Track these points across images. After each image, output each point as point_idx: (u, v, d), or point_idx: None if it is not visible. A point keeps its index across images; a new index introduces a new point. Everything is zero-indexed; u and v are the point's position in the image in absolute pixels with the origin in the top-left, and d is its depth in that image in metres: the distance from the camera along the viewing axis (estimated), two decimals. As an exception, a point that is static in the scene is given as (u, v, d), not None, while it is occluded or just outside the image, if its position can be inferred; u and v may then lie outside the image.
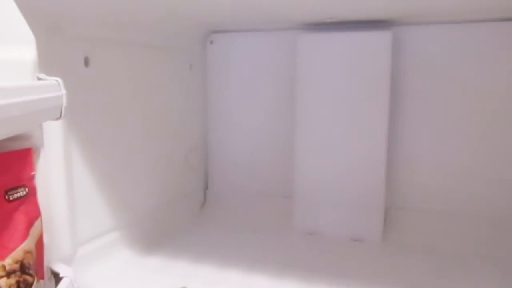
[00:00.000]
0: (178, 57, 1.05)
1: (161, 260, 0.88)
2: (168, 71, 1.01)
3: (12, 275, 0.45)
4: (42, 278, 0.51)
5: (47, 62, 0.59)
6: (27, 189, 0.49)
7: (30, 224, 0.49)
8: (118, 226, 0.88)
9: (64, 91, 0.48)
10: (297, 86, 1.01)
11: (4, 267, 0.45)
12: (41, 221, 0.51)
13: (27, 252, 0.47)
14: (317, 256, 0.92)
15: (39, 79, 0.47)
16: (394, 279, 0.81)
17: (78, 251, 0.77)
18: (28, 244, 0.48)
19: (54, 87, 0.46)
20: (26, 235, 0.48)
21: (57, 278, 0.53)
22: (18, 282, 0.46)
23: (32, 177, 0.50)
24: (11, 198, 0.47)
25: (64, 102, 0.47)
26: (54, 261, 0.56)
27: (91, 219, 0.81)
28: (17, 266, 0.46)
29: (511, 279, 0.81)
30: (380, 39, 0.94)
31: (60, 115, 0.47)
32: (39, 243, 0.50)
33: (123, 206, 0.89)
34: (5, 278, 0.45)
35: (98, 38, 0.78)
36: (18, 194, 0.47)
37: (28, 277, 0.47)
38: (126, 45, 0.86)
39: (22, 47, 0.47)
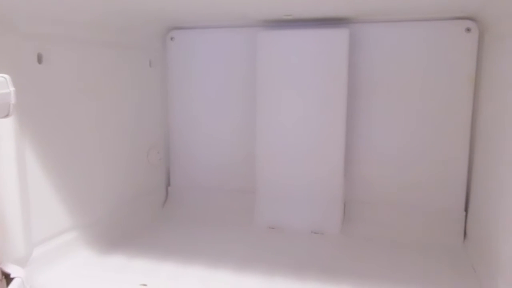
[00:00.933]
0: (137, 54, 1.04)
1: (122, 259, 0.88)
2: (126, 68, 1.00)
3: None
4: (-8, 279, 0.50)
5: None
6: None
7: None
8: (76, 226, 0.86)
9: (12, 88, 0.46)
10: (257, 82, 1.02)
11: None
12: (-9, 221, 0.49)
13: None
14: (278, 249, 0.93)
15: (-15, 75, 0.46)
16: (351, 268, 0.83)
17: (33, 251, 0.75)
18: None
19: (1, 84, 0.45)
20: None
21: (8, 278, 0.52)
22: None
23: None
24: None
25: (13, 99, 0.46)
26: (6, 262, 0.55)
27: (47, 219, 0.79)
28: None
29: (457, 263, 0.86)
30: (337, 36, 0.96)
31: (8, 113, 0.46)
32: (-11, 244, 0.49)
33: (81, 206, 0.88)
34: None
35: (52, 35, 0.76)
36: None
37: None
38: (81, 42, 0.85)
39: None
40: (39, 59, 0.72)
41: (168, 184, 1.21)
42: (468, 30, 0.93)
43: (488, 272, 0.76)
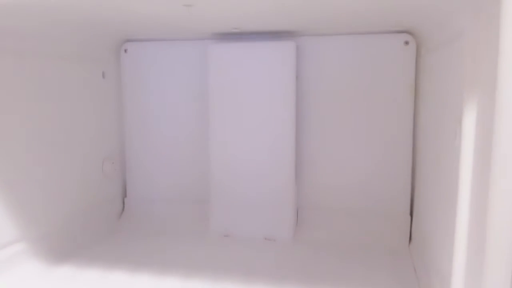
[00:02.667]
0: (90, 65, 1.05)
1: (71, 270, 0.87)
2: (79, 79, 1.01)
3: None
4: None
5: None
6: None
7: None
8: (22, 238, 0.86)
9: None
10: (208, 94, 1.05)
11: None
12: None
13: None
14: (230, 256, 0.95)
15: None
16: (298, 273, 0.86)
17: (-23, 264, 0.75)
18: None
19: None
20: None
21: None
22: None
23: None
24: None
25: None
26: None
27: (-8, 230, 0.79)
28: None
29: (401, 266, 0.90)
30: (284, 48, 1.00)
31: None
32: None
33: (27, 217, 0.87)
34: None
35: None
36: None
37: None
38: (31, 54, 0.86)
39: None
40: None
41: (124, 195, 1.21)
42: (406, 43, 0.99)
43: (425, 271, 0.80)
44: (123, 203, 1.21)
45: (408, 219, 1.03)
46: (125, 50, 1.14)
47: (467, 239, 0.53)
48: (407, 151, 1.02)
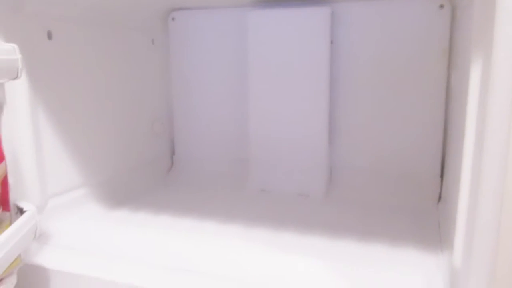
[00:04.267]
0: (140, 33, 1.15)
1: (125, 214, 1.00)
2: (130, 47, 1.11)
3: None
4: (7, 210, 0.62)
5: (10, 36, 0.69)
6: (-10, 136, 0.59)
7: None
8: (85, 184, 0.99)
9: (19, 55, 0.58)
10: (248, 58, 1.12)
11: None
12: (5, 163, 0.62)
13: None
14: (264, 208, 1.04)
15: (-2, 45, 0.57)
16: (330, 227, 0.93)
17: (48, 202, 0.88)
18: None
19: (10, 51, 0.57)
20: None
21: (21, 212, 0.64)
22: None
23: (-5, 126, 0.60)
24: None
25: (20, 64, 0.58)
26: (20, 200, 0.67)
27: (60, 175, 0.92)
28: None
29: (427, 224, 0.95)
30: (319, 14, 1.04)
31: (17, 75, 0.58)
32: (4, 182, 0.62)
33: (90, 166, 1.01)
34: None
35: (59, 15, 0.88)
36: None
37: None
38: (86, 22, 0.96)
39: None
40: (49, 36, 0.84)
41: (173, 153, 1.33)
42: (441, 6, 0.99)
43: (446, 227, 0.84)
44: (172, 160, 1.33)
45: (439, 181, 1.06)
46: (173, 19, 1.23)
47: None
48: (439, 115, 1.04)
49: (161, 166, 1.29)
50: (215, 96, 1.25)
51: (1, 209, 0.60)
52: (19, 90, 0.71)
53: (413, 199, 1.06)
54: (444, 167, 1.06)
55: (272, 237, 0.86)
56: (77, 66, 0.95)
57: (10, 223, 0.62)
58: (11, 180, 0.63)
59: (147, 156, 1.22)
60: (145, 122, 1.21)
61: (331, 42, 1.06)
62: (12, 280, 0.61)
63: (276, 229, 0.90)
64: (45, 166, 0.87)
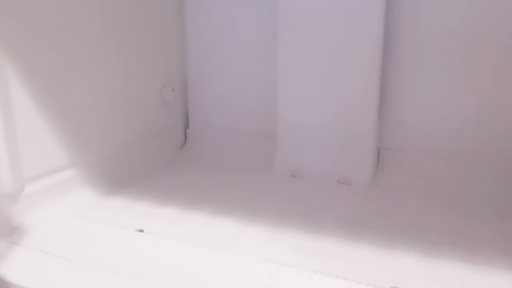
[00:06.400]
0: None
1: (125, 201, 0.81)
2: (141, 4, 0.91)
3: None
4: None
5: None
6: None
7: None
8: (75, 164, 0.80)
9: None
10: (280, 15, 0.89)
11: None
12: None
13: None
14: (295, 198, 0.83)
15: None
16: (378, 222, 0.72)
17: (25, 188, 0.70)
18: None
19: None
20: None
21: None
22: None
23: None
24: None
25: None
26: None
27: (40, 154, 0.73)
28: None
29: (501, 217, 0.73)
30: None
31: None
32: None
33: (81, 142, 0.81)
34: None
35: None
36: None
37: None
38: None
39: None
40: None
41: (186, 125, 1.13)
42: None
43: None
44: (185, 134, 1.13)
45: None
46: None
47: None
48: None
49: (172, 142, 1.09)
50: (238, 59, 1.03)
51: None
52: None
53: (480, 186, 0.84)
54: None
55: (305, 242, 0.65)
56: (62, 16, 0.73)
57: None
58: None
59: (154, 129, 1.02)
60: (153, 88, 1.00)
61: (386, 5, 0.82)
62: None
63: (310, 230, 0.69)
64: (17, 143, 0.67)
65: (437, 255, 0.60)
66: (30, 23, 0.69)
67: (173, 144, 1.09)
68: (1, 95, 0.63)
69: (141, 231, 0.69)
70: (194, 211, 0.76)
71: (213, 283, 0.54)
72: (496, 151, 0.85)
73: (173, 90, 1.03)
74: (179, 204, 0.79)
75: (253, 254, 0.60)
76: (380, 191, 0.86)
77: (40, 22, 0.70)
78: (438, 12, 0.84)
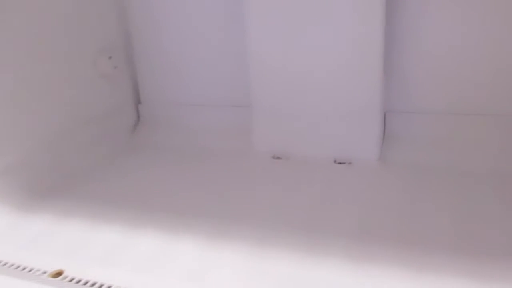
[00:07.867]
0: None
1: (46, 220, 0.59)
2: None
3: None
4: None
5: None
6: None
7: None
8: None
9: None
10: None
11: None
12: None
13: None
14: (283, 187, 0.64)
15: None
16: (390, 209, 0.54)
17: None
18: None
19: None
20: None
21: None
22: None
23: None
24: None
25: None
26: None
27: None
28: None
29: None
30: None
31: None
32: None
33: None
34: None
35: None
36: None
37: None
38: None
39: None
40: None
41: (138, 101, 0.89)
42: None
43: None
44: (137, 112, 0.90)
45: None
46: None
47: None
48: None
49: (120, 124, 0.87)
50: (196, 15, 0.79)
51: None
52: None
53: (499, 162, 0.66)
54: None
55: (303, 240, 0.49)
56: None
57: None
58: None
59: (94, 111, 0.79)
60: (83, 58, 0.75)
61: None
62: None
63: (305, 227, 0.53)
64: None
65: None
66: None
67: (122, 126, 0.87)
68: None
69: (59, 274, 0.47)
70: (141, 234, 0.55)
71: None
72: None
73: (109, 58, 0.78)
74: (123, 222, 0.57)
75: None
76: (386, 170, 0.65)
77: None
78: None
